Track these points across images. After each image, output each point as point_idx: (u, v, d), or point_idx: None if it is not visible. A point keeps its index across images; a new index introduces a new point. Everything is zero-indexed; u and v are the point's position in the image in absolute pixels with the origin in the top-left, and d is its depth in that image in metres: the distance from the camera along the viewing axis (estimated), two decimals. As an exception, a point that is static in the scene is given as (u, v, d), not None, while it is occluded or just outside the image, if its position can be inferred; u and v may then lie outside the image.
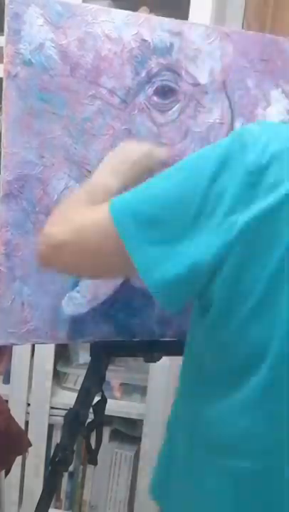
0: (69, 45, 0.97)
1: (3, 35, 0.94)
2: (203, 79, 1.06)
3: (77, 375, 1.72)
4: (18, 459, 1.42)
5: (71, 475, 1.74)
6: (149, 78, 1.02)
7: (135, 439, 1.74)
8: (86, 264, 0.82)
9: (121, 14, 1.00)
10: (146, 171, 0.95)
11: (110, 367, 1.55)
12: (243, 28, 1.68)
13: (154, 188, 0.78)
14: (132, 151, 0.96)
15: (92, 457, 1.22)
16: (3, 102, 0.95)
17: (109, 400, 1.20)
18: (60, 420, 1.60)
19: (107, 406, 1.19)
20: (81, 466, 1.74)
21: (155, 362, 1.17)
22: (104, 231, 0.77)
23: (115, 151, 0.98)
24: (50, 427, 1.70)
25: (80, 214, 0.81)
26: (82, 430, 1.15)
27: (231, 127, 1.09)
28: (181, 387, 0.93)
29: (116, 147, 0.98)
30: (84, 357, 1.70)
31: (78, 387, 1.13)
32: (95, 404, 1.16)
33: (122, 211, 0.76)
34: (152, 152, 0.97)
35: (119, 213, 0.76)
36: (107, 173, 0.93)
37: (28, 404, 1.68)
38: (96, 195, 0.86)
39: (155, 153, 0.98)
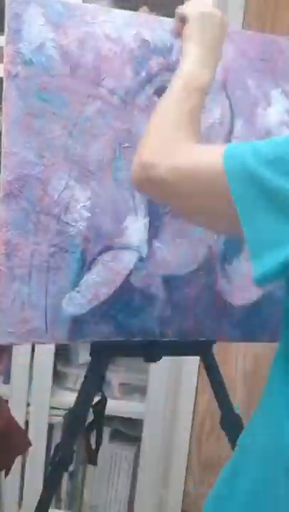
0: (69, 45, 0.97)
1: (3, 34, 0.94)
2: (203, 79, 1.06)
3: (77, 375, 1.72)
4: (18, 458, 1.42)
5: (71, 475, 1.74)
6: (150, 78, 1.02)
7: (135, 439, 1.74)
8: (184, 206, 0.77)
9: (121, 14, 1.00)
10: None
11: (110, 367, 1.56)
12: (243, 28, 1.68)
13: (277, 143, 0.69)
14: (213, 25, 0.91)
15: (92, 457, 1.22)
16: (3, 102, 0.95)
17: (109, 400, 1.20)
18: (60, 420, 1.61)
19: (107, 406, 1.19)
20: (81, 466, 1.74)
21: (155, 362, 1.17)
22: (214, 183, 0.70)
23: (193, 26, 0.91)
24: (50, 427, 1.70)
25: (186, 154, 0.75)
26: (82, 430, 1.15)
27: (231, 127, 1.09)
28: (267, 399, 0.77)
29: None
30: (84, 357, 1.70)
31: (78, 387, 1.13)
32: (95, 404, 1.16)
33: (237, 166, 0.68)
34: (224, 20, 0.93)
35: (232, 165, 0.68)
36: (196, 64, 0.87)
37: (28, 404, 1.68)
38: (191, 99, 0.82)
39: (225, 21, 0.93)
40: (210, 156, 0.72)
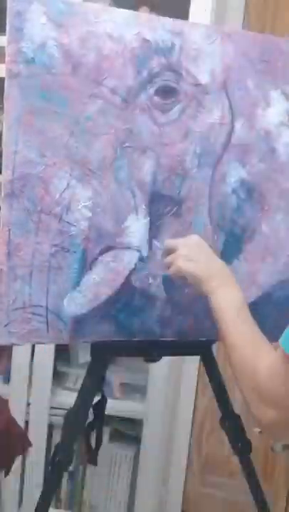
0: (71, 44, 0.97)
1: (5, 33, 0.94)
2: (203, 79, 1.06)
3: (77, 375, 1.72)
4: (18, 458, 1.42)
5: (71, 475, 1.74)
6: (151, 78, 1.02)
7: (135, 439, 1.74)
8: None
9: (123, 14, 1.00)
10: None
11: (110, 367, 1.56)
12: (243, 28, 1.68)
13: None
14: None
15: (92, 457, 1.22)
16: (4, 101, 0.94)
17: (109, 400, 1.20)
18: (60, 420, 1.59)
19: (107, 406, 1.19)
20: (81, 466, 1.74)
21: (155, 362, 1.17)
22: None
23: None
24: (50, 427, 1.70)
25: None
26: (82, 430, 1.15)
27: (231, 127, 1.10)
28: None
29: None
30: (84, 357, 1.70)
31: (78, 387, 1.13)
32: (95, 404, 1.16)
33: None
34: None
35: None
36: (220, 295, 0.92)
37: (28, 404, 1.68)
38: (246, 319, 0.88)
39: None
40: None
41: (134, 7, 1.11)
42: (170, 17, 1.04)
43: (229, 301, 0.91)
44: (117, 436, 1.75)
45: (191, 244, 1.00)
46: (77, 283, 1.01)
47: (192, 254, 0.98)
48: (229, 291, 0.92)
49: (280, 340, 0.76)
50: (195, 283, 0.96)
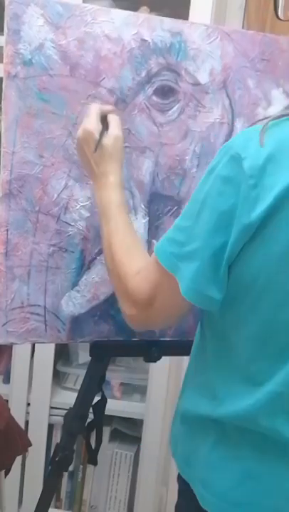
0: (69, 45, 0.97)
1: (3, 35, 0.94)
2: (203, 79, 1.06)
3: (77, 375, 1.72)
4: (18, 458, 1.42)
5: (71, 475, 1.74)
6: (149, 78, 1.02)
7: (135, 439, 1.74)
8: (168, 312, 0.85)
9: (121, 14, 1.00)
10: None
11: (110, 367, 1.56)
12: (243, 28, 1.68)
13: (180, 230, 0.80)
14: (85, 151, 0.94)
15: (92, 457, 1.22)
16: (2, 102, 0.95)
17: (109, 400, 1.20)
18: (60, 420, 1.60)
19: (107, 406, 1.19)
20: (81, 466, 1.74)
21: (155, 362, 1.17)
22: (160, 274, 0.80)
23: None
24: (50, 427, 1.70)
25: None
26: (82, 430, 1.15)
27: (232, 127, 1.09)
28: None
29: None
30: (84, 357, 1.70)
31: (78, 387, 1.13)
32: (95, 404, 1.16)
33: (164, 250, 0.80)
34: (88, 130, 0.93)
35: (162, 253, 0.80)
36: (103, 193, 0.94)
37: (28, 404, 1.68)
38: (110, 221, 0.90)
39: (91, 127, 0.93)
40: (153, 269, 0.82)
41: (134, 7, 1.11)
42: (170, 17, 1.04)
43: (112, 199, 0.92)
44: (117, 436, 1.75)
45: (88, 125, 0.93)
46: (76, 283, 1.02)
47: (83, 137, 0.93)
48: (111, 191, 0.92)
49: (155, 248, 0.81)
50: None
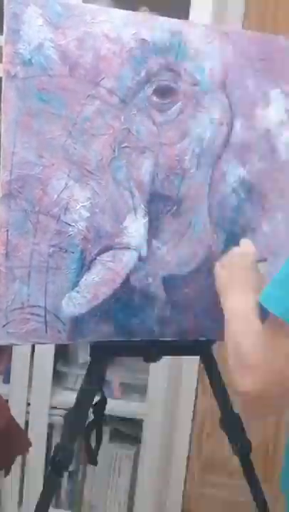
0: (68, 45, 0.97)
1: (2, 35, 0.94)
2: (202, 78, 1.06)
3: (77, 375, 1.72)
4: (18, 458, 1.42)
5: (71, 475, 1.74)
6: (149, 78, 1.02)
7: (135, 439, 1.74)
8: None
9: (120, 14, 1.00)
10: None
11: (110, 367, 1.56)
12: (243, 28, 1.68)
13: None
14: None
15: (92, 457, 1.22)
16: (2, 103, 0.95)
17: (109, 400, 1.20)
18: (60, 420, 1.60)
19: (107, 406, 1.19)
20: (81, 466, 1.74)
21: (155, 362, 1.17)
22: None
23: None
24: (50, 427, 1.70)
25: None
26: (82, 430, 1.15)
27: (231, 127, 1.09)
28: None
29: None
30: (84, 357, 1.70)
31: (78, 387, 1.13)
32: (95, 404, 1.16)
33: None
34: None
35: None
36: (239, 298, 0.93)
37: (28, 404, 1.68)
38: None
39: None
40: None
41: (134, 7, 1.10)
42: (170, 17, 1.04)
43: (238, 305, 0.91)
44: (117, 436, 1.75)
45: (234, 253, 1.01)
46: (76, 283, 1.01)
47: (227, 263, 1.00)
48: (238, 297, 0.92)
49: (265, 302, 0.78)
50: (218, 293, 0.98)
